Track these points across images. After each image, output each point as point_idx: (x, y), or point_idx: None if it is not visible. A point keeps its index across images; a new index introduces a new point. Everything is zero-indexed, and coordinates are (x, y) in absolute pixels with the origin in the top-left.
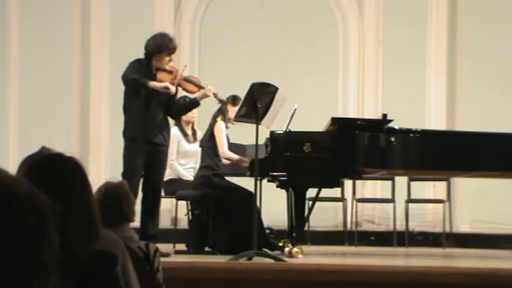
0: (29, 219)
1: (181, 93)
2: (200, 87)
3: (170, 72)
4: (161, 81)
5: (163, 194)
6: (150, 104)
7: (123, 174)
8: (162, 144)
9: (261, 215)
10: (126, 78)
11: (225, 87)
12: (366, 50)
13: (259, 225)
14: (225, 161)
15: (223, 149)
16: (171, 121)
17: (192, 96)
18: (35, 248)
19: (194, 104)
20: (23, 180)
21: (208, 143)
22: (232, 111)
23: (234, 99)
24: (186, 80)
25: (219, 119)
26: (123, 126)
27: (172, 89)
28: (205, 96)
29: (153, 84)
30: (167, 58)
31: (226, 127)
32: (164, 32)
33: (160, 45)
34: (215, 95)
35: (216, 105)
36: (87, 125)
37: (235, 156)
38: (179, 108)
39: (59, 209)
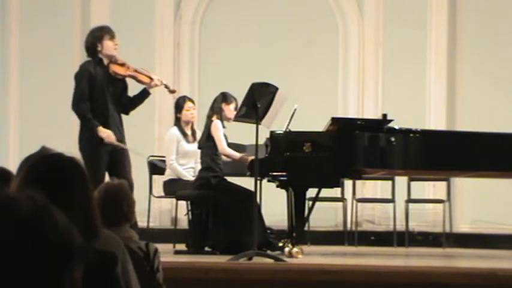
0: (55, 252)
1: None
2: (150, 78)
3: (122, 64)
4: (115, 73)
5: (163, 194)
6: (105, 102)
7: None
8: (120, 140)
9: (262, 215)
10: (77, 110)
11: (225, 87)
12: (366, 50)
13: (261, 225)
14: (225, 158)
15: (222, 146)
16: (170, 121)
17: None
18: (54, 283)
19: (145, 94)
20: (62, 214)
21: (207, 144)
22: (228, 109)
23: (224, 97)
24: (138, 71)
25: (214, 118)
26: (80, 129)
27: (112, 139)
28: (155, 85)
29: (101, 132)
30: (111, 42)
31: (223, 126)
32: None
33: (100, 33)
34: (166, 86)
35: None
36: None
37: (235, 154)
38: (132, 101)
39: (90, 251)
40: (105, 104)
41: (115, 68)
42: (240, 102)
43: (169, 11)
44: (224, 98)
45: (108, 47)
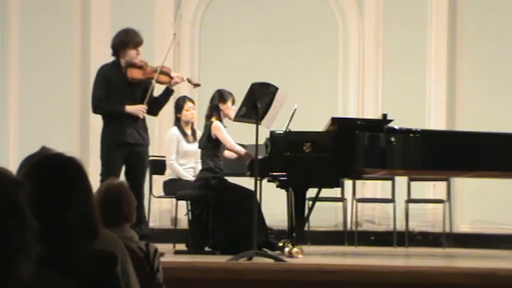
0: (2, 211)
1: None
2: (170, 76)
3: (140, 67)
4: (132, 78)
5: (163, 194)
6: (123, 103)
7: (101, 175)
8: (139, 143)
9: (263, 216)
10: (99, 111)
11: (225, 87)
12: (366, 50)
13: (262, 225)
14: (230, 155)
15: (231, 144)
16: (170, 121)
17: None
18: (14, 236)
19: (169, 92)
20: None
21: (207, 145)
22: (226, 107)
23: (221, 96)
24: (157, 71)
25: (213, 119)
26: (102, 130)
27: (143, 113)
28: (177, 82)
29: (129, 109)
30: (134, 52)
31: (224, 126)
32: (129, 27)
33: (125, 40)
34: (189, 81)
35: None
36: (87, 125)
37: (242, 150)
38: (157, 102)
39: (27, 185)
40: (122, 103)
41: (132, 73)
42: (238, 100)
43: (169, 11)
44: (221, 97)
45: (129, 55)
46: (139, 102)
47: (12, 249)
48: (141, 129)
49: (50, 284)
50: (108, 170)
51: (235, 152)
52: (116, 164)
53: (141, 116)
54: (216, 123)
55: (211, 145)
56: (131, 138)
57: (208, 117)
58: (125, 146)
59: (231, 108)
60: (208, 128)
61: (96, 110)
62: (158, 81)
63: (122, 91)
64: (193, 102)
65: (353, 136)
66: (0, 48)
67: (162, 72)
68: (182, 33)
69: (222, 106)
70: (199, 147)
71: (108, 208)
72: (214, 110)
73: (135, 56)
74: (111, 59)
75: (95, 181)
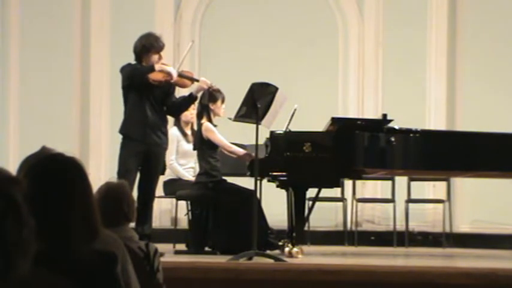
0: None
1: (181, 91)
2: (194, 81)
3: (161, 70)
4: (153, 80)
5: (163, 194)
6: (143, 103)
7: (118, 173)
8: (156, 144)
9: (265, 216)
10: (130, 73)
11: (225, 87)
12: (366, 50)
13: (264, 225)
14: (230, 154)
15: (226, 145)
16: (170, 121)
17: (186, 90)
18: (11, 233)
19: (192, 99)
20: None
21: (201, 146)
22: (216, 107)
23: (210, 96)
24: (179, 75)
25: (203, 120)
26: (121, 125)
27: (173, 74)
28: (201, 89)
29: (158, 67)
30: (156, 57)
31: (214, 125)
32: (150, 32)
33: (146, 45)
34: (210, 87)
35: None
36: (87, 125)
37: (239, 150)
38: (177, 105)
39: (23, 183)
40: (143, 108)
41: (153, 76)
42: (238, 100)
43: (169, 11)
44: (210, 95)
45: (151, 60)
46: (160, 104)
47: (9, 247)
48: (160, 132)
49: (50, 283)
50: (123, 167)
51: (231, 152)
52: (130, 161)
53: (175, 74)
54: (206, 124)
55: (205, 146)
56: (149, 138)
57: (199, 117)
58: (142, 146)
59: (221, 108)
60: (199, 129)
61: (129, 80)
62: (177, 85)
63: (143, 92)
64: None
65: (353, 136)
66: (0, 49)
67: (183, 76)
68: (182, 33)
69: (212, 106)
70: (194, 148)
71: (108, 208)
72: (204, 110)
73: (157, 61)
74: (110, 58)
75: (95, 181)
